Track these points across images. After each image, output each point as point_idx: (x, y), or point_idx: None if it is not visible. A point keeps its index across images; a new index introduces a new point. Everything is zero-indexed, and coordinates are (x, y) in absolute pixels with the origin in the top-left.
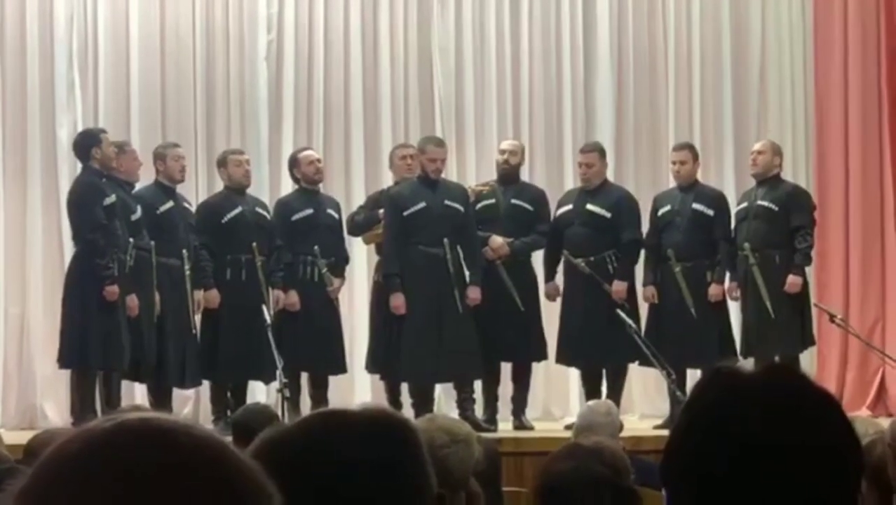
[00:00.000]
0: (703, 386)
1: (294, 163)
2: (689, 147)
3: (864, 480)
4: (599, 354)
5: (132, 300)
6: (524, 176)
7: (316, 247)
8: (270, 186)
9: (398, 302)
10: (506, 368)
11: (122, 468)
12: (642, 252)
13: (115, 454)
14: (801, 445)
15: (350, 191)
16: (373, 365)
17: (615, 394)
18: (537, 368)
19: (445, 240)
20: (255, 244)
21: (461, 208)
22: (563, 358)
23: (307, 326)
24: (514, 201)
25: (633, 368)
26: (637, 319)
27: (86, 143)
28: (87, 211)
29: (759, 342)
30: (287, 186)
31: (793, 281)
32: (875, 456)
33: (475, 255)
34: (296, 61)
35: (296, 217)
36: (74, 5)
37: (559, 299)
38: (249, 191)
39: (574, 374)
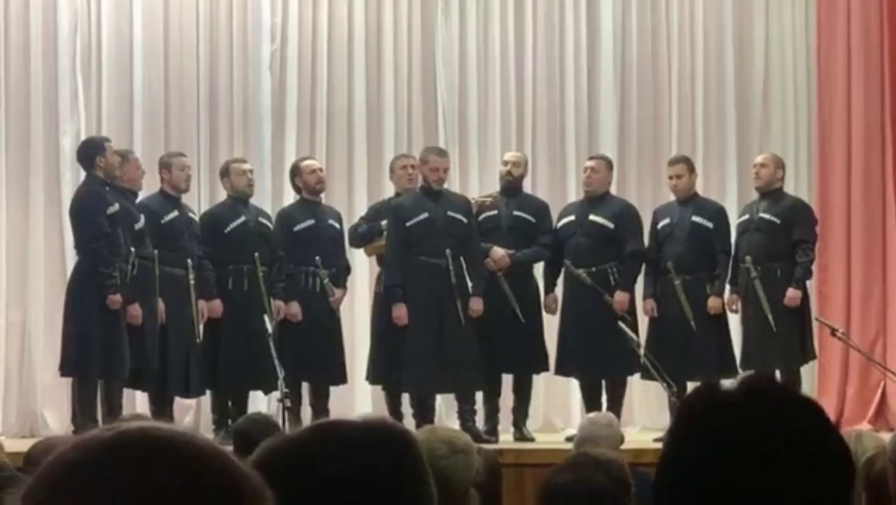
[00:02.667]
0: (687, 405)
1: (296, 172)
2: (685, 160)
3: (865, 494)
4: (598, 366)
5: (134, 309)
6: (526, 188)
7: (317, 257)
8: (273, 196)
9: (400, 312)
10: (507, 380)
11: (121, 478)
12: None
13: (114, 464)
14: (787, 455)
15: (352, 201)
16: (374, 376)
17: (615, 406)
18: (538, 380)
19: (448, 251)
20: (257, 254)
21: (464, 219)
22: (562, 369)
23: (308, 336)
24: (516, 213)
25: (635, 381)
26: (637, 332)
27: (90, 152)
28: (89, 219)
29: (760, 355)
30: (290, 196)
31: (792, 295)
32: (876, 470)
33: (477, 266)
34: (299, 71)
35: (297, 227)
36: (78, 13)
37: (559, 310)
38: (252, 201)
39: (575, 385)
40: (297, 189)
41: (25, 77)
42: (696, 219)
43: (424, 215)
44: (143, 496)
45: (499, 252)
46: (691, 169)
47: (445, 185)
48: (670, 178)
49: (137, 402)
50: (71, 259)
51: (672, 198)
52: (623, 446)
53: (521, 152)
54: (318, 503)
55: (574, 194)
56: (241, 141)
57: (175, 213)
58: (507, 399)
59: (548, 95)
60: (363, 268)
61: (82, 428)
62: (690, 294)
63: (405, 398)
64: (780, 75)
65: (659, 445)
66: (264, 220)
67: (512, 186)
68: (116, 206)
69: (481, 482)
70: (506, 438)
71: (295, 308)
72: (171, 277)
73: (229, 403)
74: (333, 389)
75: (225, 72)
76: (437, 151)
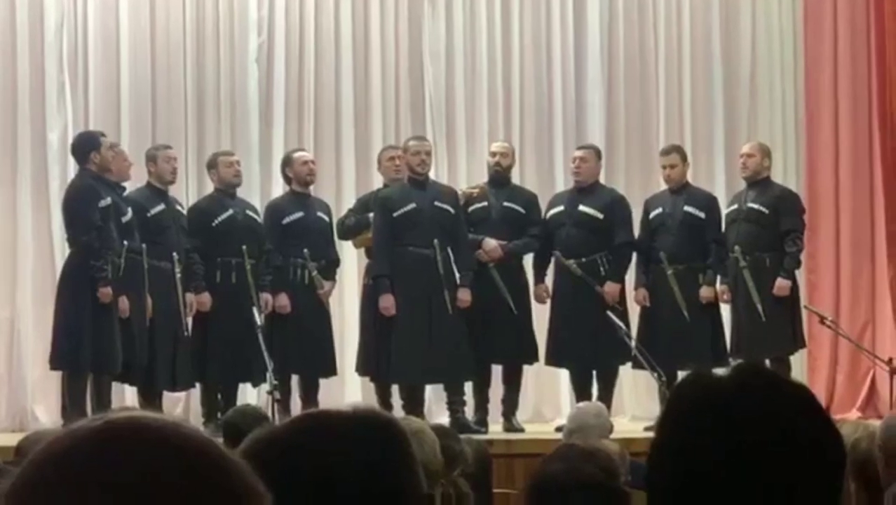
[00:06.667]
0: (679, 392)
1: (288, 162)
2: (677, 149)
3: (850, 477)
4: (590, 357)
5: (123, 302)
6: (515, 178)
7: (306, 250)
8: (261, 188)
9: (388, 303)
10: (496, 371)
11: (110, 467)
12: (634, 254)
13: (102, 453)
14: (779, 441)
15: (340, 193)
16: (363, 367)
17: (606, 396)
18: (528, 371)
19: (435, 241)
20: (245, 247)
21: (451, 210)
22: (553, 359)
23: (297, 328)
24: (506, 204)
25: (624, 371)
26: (627, 322)
27: (85, 147)
28: (83, 213)
29: (750, 345)
30: (278, 188)
31: (781, 285)
32: (860, 452)
33: (465, 256)
34: (286, 63)
35: (286, 220)
36: (65, 7)
37: (550, 301)
38: (240, 193)
39: (565, 376)
40: (288, 180)
41: (12, 71)
42: (688, 209)
43: (412, 206)
44: (130, 486)
45: (491, 243)
46: (684, 158)
47: (433, 177)
48: (663, 167)
49: (127, 396)
50: (59, 253)
51: (663, 187)
52: (613, 436)
53: (508, 142)
54: (306, 493)
55: (562, 184)
56: (229, 134)
57: (162, 207)
58: (496, 390)
59: (535, 86)
60: (352, 260)
61: (72, 422)
62: (683, 284)
63: (395, 389)
64: (767, 63)
65: (649, 435)
66: (252, 213)
67: (500, 177)
68: (108, 200)
69: (471, 473)
70: (495, 428)
71: (284, 300)
72: (158, 271)
73: (218, 396)
74: (323, 381)
75: (212, 65)
76: (415, 138)
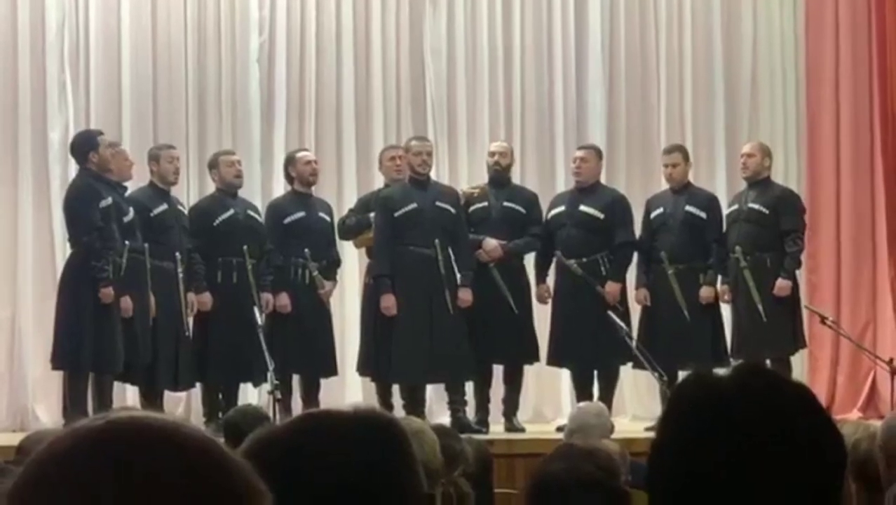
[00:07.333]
0: (680, 392)
1: (291, 161)
2: (680, 148)
3: (850, 477)
4: (591, 357)
5: (126, 302)
6: (515, 178)
7: (307, 249)
8: (262, 188)
9: (389, 303)
10: (497, 371)
11: (111, 467)
12: (635, 254)
13: (105, 452)
14: (780, 440)
15: (341, 193)
16: (364, 367)
17: (607, 396)
18: (529, 371)
19: (436, 241)
20: (246, 247)
21: (452, 210)
22: (554, 359)
23: (298, 328)
24: (506, 204)
25: (625, 370)
26: (629, 321)
27: (84, 147)
28: (83, 213)
29: (750, 345)
30: (279, 188)
31: (781, 285)
32: (861, 452)
33: (466, 256)
34: (287, 63)
35: (288, 220)
36: (66, 7)
37: (551, 301)
38: (241, 193)
39: (566, 376)
40: (290, 179)
41: (13, 70)
42: (689, 208)
43: (413, 206)
44: (132, 485)
45: (491, 243)
46: (686, 158)
47: (434, 176)
48: (665, 166)
49: (128, 395)
50: (60, 253)
51: (664, 187)
52: (613, 436)
53: (506, 142)
54: (306, 492)
55: (563, 184)
56: (230, 133)
57: (164, 206)
58: (497, 390)
59: (536, 85)
60: (353, 260)
61: (73, 422)
62: (684, 284)
63: (396, 389)
64: (769, 62)
65: (649, 435)
66: (253, 213)
67: (500, 177)
68: (109, 200)
69: (472, 473)
70: (496, 428)
71: (285, 300)
72: (161, 271)
73: (219, 396)
74: (324, 381)
75: (213, 64)
76: (418, 138)
